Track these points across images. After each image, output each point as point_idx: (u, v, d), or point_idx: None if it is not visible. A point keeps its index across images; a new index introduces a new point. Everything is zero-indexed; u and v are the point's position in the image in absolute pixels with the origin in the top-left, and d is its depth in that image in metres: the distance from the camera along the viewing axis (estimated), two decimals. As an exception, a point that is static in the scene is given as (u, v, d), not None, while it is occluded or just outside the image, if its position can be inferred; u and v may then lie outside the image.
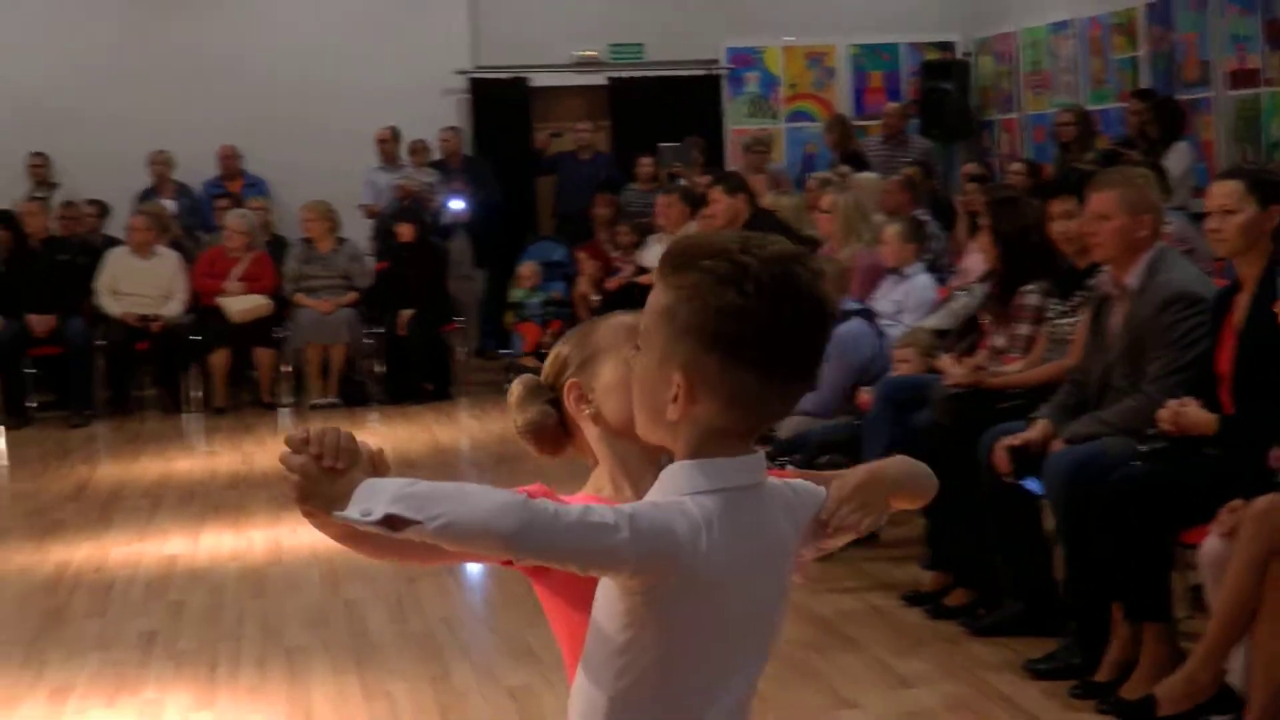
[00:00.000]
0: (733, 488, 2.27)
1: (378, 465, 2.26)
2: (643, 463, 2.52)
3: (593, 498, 2.59)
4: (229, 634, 6.88)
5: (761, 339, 2.21)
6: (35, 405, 13.57)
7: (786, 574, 2.40)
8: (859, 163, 14.13)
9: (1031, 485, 5.94)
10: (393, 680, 6.14)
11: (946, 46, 16.92)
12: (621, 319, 2.68)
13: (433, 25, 16.20)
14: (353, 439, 2.24)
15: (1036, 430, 5.95)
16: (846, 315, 7.99)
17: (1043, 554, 6.30)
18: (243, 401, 13.74)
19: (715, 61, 16.84)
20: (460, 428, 12.54)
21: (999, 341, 6.97)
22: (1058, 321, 6.56)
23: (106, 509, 9.58)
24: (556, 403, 2.69)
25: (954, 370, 6.79)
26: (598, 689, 2.30)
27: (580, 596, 2.37)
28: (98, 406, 13.31)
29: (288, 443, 2.23)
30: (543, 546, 2.12)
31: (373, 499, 2.14)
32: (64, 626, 7.09)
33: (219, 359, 13.43)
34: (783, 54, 16.94)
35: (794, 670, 6.03)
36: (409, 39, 16.06)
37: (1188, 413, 5.37)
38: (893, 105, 15.55)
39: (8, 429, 12.85)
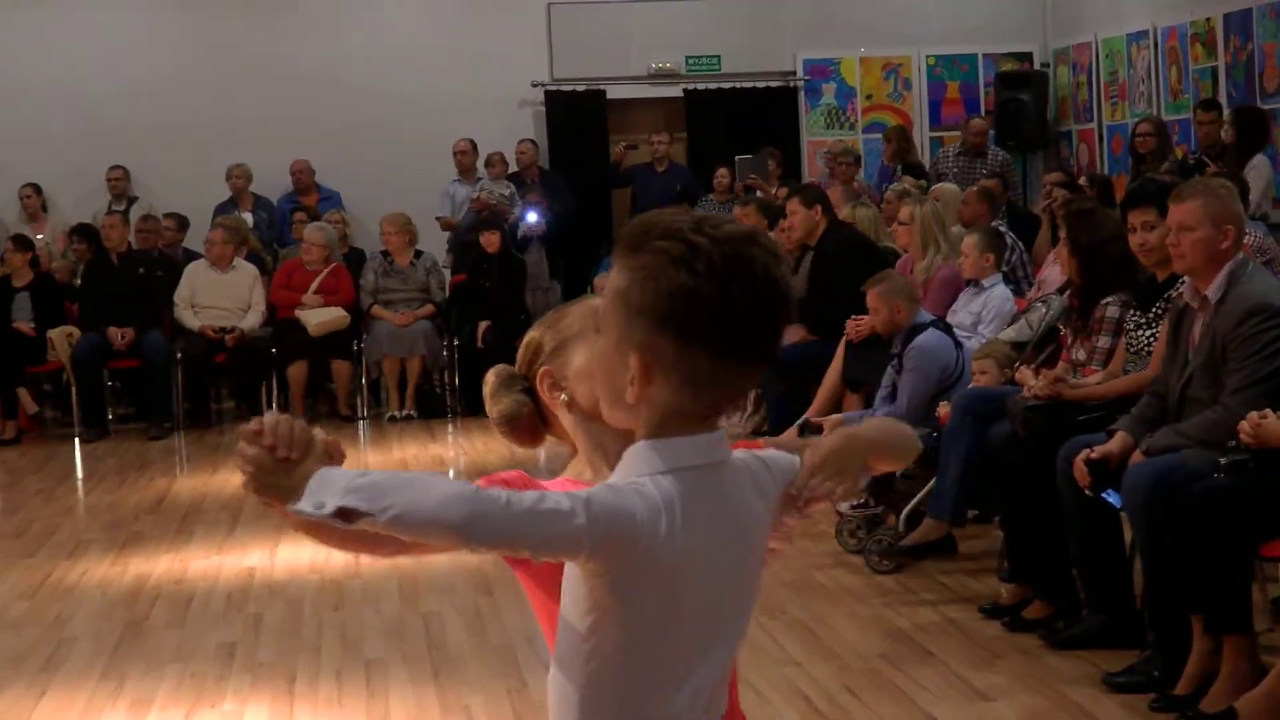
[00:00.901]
0: (690, 467, 2.25)
1: (333, 455, 2.21)
2: (620, 446, 2.37)
3: (572, 483, 2.55)
4: (307, 646, 6.92)
5: (713, 320, 2.19)
6: (114, 417, 13.72)
7: (757, 551, 2.37)
8: (919, 173, 14.09)
9: (1111, 498, 5.89)
10: (471, 693, 6.15)
11: (1024, 57, 16.84)
12: (592, 302, 2.66)
13: (510, 38, 16.27)
14: (307, 429, 2.20)
15: (1115, 443, 5.90)
16: (920, 328, 7.95)
17: (1122, 566, 6.25)
18: (320, 414, 13.82)
19: (792, 73, 16.83)
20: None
21: (1079, 354, 6.92)
22: (1137, 333, 6.50)
23: (186, 521, 9.65)
24: (531, 391, 2.68)
25: (1033, 382, 6.75)
26: (567, 678, 2.31)
27: (558, 586, 2.34)
28: (176, 419, 13.43)
29: (241, 434, 2.19)
30: (494, 535, 2.10)
31: (325, 491, 2.11)
32: (144, 639, 7.15)
33: (296, 371, 13.52)
34: (859, 65, 16.90)
35: (871, 683, 6.00)
36: (486, 51, 16.13)
37: (1268, 425, 5.31)
38: (977, 120, 15.46)
39: (87, 441, 12.98)
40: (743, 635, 2.38)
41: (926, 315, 8.27)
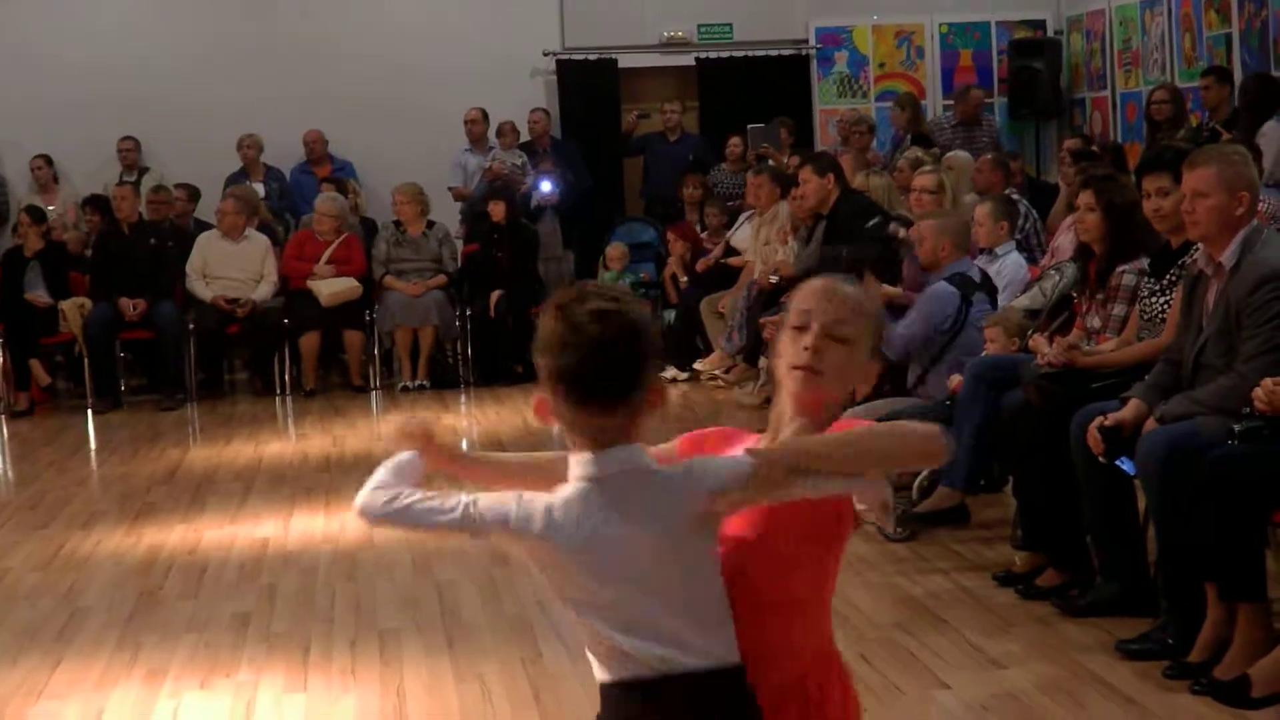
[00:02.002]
0: (586, 478, 2.87)
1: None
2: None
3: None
4: (321, 616, 6.93)
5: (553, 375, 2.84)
6: (126, 389, 13.74)
7: (658, 549, 2.85)
8: (927, 143, 14.07)
9: (1125, 465, 5.88)
10: (485, 662, 6.16)
11: (1037, 24, 16.78)
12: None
13: (521, 6, 16.25)
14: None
15: (1129, 410, 5.89)
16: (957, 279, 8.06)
17: (1136, 534, 6.24)
18: (333, 384, 13.84)
19: (804, 41, 16.77)
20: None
21: (1093, 321, 6.90)
22: (1151, 300, 6.48)
23: (199, 492, 9.67)
24: None
25: (1046, 350, 6.73)
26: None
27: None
28: (189, 390, 13.44)
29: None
30: (401, 523, 3.01)
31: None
32: (158, 609, 7.16)
33: (309, 342, 13.52)
34: (872, 33, 16.84)
35: (885, 651, 6.01)
36: (497, 20, 16.10)
37: (1283, 392, 5.30)
38: (975, 92, 15.43)
39: (99, 412, 13.00)
40: (679, 608, 2.87)
41: (966, 265, 8.30)
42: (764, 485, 2.83)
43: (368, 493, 3.03)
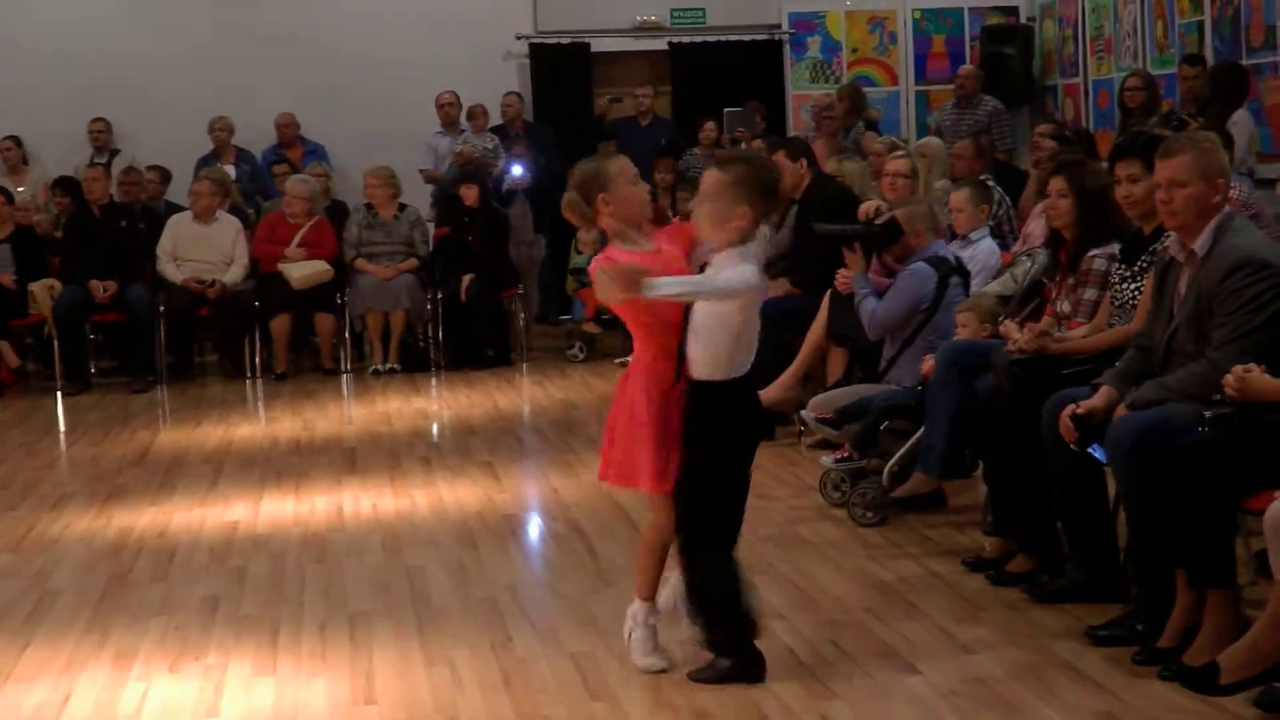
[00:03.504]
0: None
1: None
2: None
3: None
4: (291, 600, 6.91)
5: None
6: (96, 371, 13.69)
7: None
8: (877, 129, 14.09)
9: (1097, 453, 5.89)
10: (455, 646, 6.14)
11: (1009, 11, 16.82)
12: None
13: (494, -10, 16.20)
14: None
15: (1100, 397, 5.90)
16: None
17: (1106, 520, 6.25)
18: (304, 367, 13.82)
19: (777, 26, 16.78)
20: (521, 393, 12.56)
21: (1063, 306, 6.91)
22: (1122, 286, 6.49)
23: (169, 475, 9.64)
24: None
25: (1017, 336, 6.74)
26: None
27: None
28: (159, 372, 13.40)
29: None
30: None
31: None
32: (127, 592, 7.13)
33: (280, 325, 13.49)
34: (844, 18, 16.86)
35: (855, 635, 6.01)
36: (470, 4, 16.10)
37: (1253, 378, 5.31)
38: (965, 68, 15.40)
39: (69, 395, 12.96)
40: None
41: (940, 248, 8.32)
42: None
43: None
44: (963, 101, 14.98)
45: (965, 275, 8.34)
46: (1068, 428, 5.88)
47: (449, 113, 15.54)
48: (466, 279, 13.55)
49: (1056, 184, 7.02)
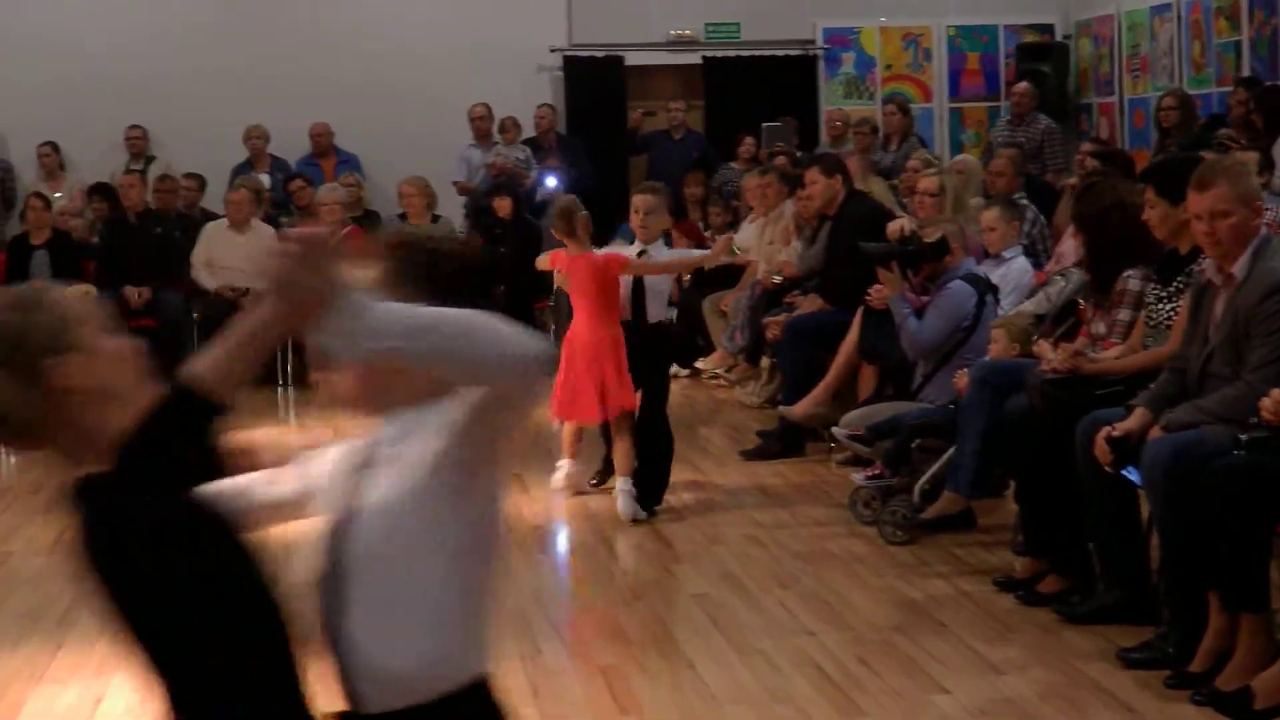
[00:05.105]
0: None
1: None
2: None
3: None
4: (321, 606, 6.91)
5: None
6: (130, 377, 13.71)
7: None
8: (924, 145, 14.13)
9: (1131, 475, 5.87)
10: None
11: (1045, 29, 16.77)
12: None
13: (529, 2, 16.22)
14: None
15: (1135, 419, 5.88)
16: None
17: (1138, 542, 6.24)
18: (335, 377, 13.81)
19: (811, 42, 16.78)
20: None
21: (1098, 327, 6.89)
22: (1157, 307, 6.47)
23: (201, 480, 9.64)
24: None
25: (1051, 355, 6.73)
26: None
27: None
28: (192, 379, 13.40)
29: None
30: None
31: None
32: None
33: (313, 333, 13.48)
34: (879, 35, 16.84)
35: (884, 654, 6.00)
36: (505, 16, 16.08)
37: (1290, 402, 5.30)
38: (1022, 85, 15.32)
39: (104, 400, 12.97)
40: None
41: (972, 265, 8.33)
42: None
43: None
44: (1017, 119, 14.95)
45: (995, 293, 8.34)
46: (1103, 450, 5.87)
47: (482, 126, 15.57)
48: (498, 290, 13.55)
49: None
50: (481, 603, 2.81)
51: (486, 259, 3.21)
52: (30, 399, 2.65)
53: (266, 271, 2.46)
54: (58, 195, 14.80)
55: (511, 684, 5.79)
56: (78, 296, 2.96)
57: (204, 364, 2.66)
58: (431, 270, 2.85)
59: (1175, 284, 6.39)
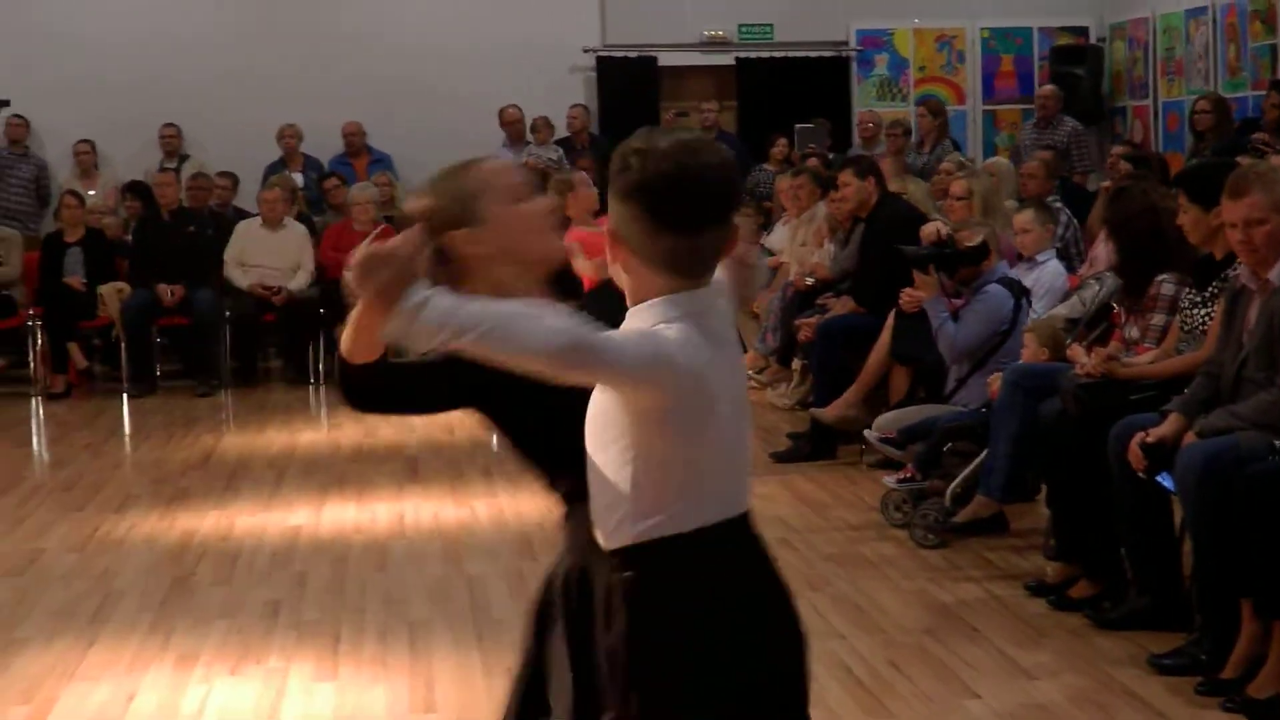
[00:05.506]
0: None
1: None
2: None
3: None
4: (352, 606, 6.94)
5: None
6: (162, 374, 13.79)
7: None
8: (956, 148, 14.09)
9: (1166, 482, 5.85)
10: (514, 656, 6.14)
11: (1079, 31, 16.73)
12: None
13: (562, 3, 16.23)
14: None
15: (1169, 425, 5.86)
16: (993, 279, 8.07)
17: (1171, 547, 6.21)
18: (366, 374, 13.83)
19: (844, 43, 16.76)
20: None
21: (1132, 332, 6.87)
22: (1191, 312, 6.44)
23: (232, 479, 9.69)
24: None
25: (1084, 360, 6.71)
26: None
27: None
28: (224, 377, 13.49)
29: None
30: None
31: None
32: (190, 594, 7.19)
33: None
34: (913, 36, 16.81)
35: (914, 658, 5.99)
36: (538, 16, 16.10)
37: (1325, 409, 5.28)
38: (1048, 88, 15.30)
39: (134, 397, 13.05)
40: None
41: (1006, 269, 8.31)
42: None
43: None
44: (1043, 122, 14.91)
45: (1028, 297, 8.32)
46: (1137, 455, 5.85)
47: (515, 128, 15.60)
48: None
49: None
50: None
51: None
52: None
53: (354, 270, 2.81)
54: (91, 193, 14.86)
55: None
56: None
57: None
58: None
59: (1210, 289, 6.36)
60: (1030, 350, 7.53)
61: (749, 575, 2.97)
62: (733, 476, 2.94)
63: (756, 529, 3.02)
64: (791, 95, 16.09)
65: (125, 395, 13.14)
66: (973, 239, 8.25)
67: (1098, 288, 7.96)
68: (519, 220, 3.28)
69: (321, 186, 15.05)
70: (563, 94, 16.01)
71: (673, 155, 2.81)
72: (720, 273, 2.97)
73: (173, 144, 15.61)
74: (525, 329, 2.70)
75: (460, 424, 11.61)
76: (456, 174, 3.33)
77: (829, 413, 9.54)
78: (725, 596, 2.90)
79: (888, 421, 8.33)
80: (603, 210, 10.32)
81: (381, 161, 15.66)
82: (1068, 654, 6.03)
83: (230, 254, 13.71)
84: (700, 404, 2.81)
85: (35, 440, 12.06)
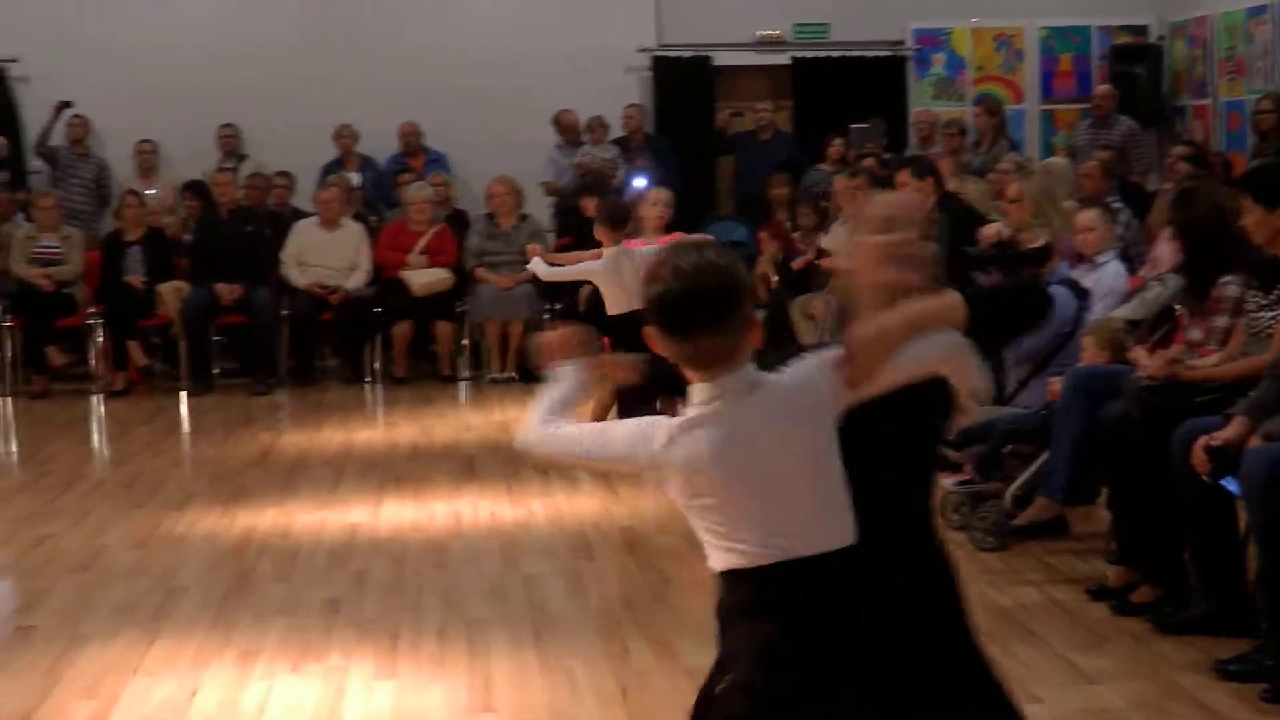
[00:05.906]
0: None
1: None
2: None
3: None
4: (410, 604, 6.96)
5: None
6: (220, 372, 13.86)
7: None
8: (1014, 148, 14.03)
9: (1230, 486, 5.80)
10: (571, 656, 6.16)
11: (1139, 30, 16.62)
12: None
13: (617, 4, 16.23)
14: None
15: (1233, 428, 5.81)
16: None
17: (1235, 552, 6.16)
18: (423, 373, 13.90)
19: (901, 42, 16.70)
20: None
21: (1195, 334, 6.81)
22: (1257, 314, 6.39)
23: (290, 477, 9.74)
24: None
25: (1147, 362, 6.66)
26: None
27: None
28: (281, 375, 13.55)
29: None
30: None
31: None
32: (251, 591, 7.22)
33: (400, 331, 13.60)
34: (970, 36, 16.74)
35: (975, 661, 5.95)
36: (593, 16, 16.10)
37: (1393, 412, 5.22)
38: (1103, 88, 15.21)
39: (193, 395, 13.12)
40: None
41: (1066, 270, 8.27)
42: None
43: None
44: (1098, 122, 14.82)
45: (1087, 299, 8.27)
46: (1201, 459, 5.80)
47: (570, 133, 15.62)
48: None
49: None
50: None
51: None
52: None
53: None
54: (151, 192, 14.94)
55: (600, 682, 5.82)
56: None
57: None
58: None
59: (1276, 291, 6.31)
60: (1090, 352, 7.49)
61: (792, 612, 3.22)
62: (762, 529, 3.19)
63: (827, 573, 3.22)
64: (847, 95, 16.03)
65: (184, 393, 13.21)
66: (1035, 241, 8.20)
67: (1160, 289, 7.91)
68: (863, 249, 3.79)
69: (397, 180, 15.08)
70: (618, 94, 16.00)
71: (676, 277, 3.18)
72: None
73: (231, 144, 15.68)
74: (550, 437, 3.47)
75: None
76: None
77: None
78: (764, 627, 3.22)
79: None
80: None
81: (437, 161, 15.70)
82: (1129, 659, 5.99)
83: (288, 253, 13.77)
84: (688, 481, 3.22)
85: (96, 437, 12.14)
